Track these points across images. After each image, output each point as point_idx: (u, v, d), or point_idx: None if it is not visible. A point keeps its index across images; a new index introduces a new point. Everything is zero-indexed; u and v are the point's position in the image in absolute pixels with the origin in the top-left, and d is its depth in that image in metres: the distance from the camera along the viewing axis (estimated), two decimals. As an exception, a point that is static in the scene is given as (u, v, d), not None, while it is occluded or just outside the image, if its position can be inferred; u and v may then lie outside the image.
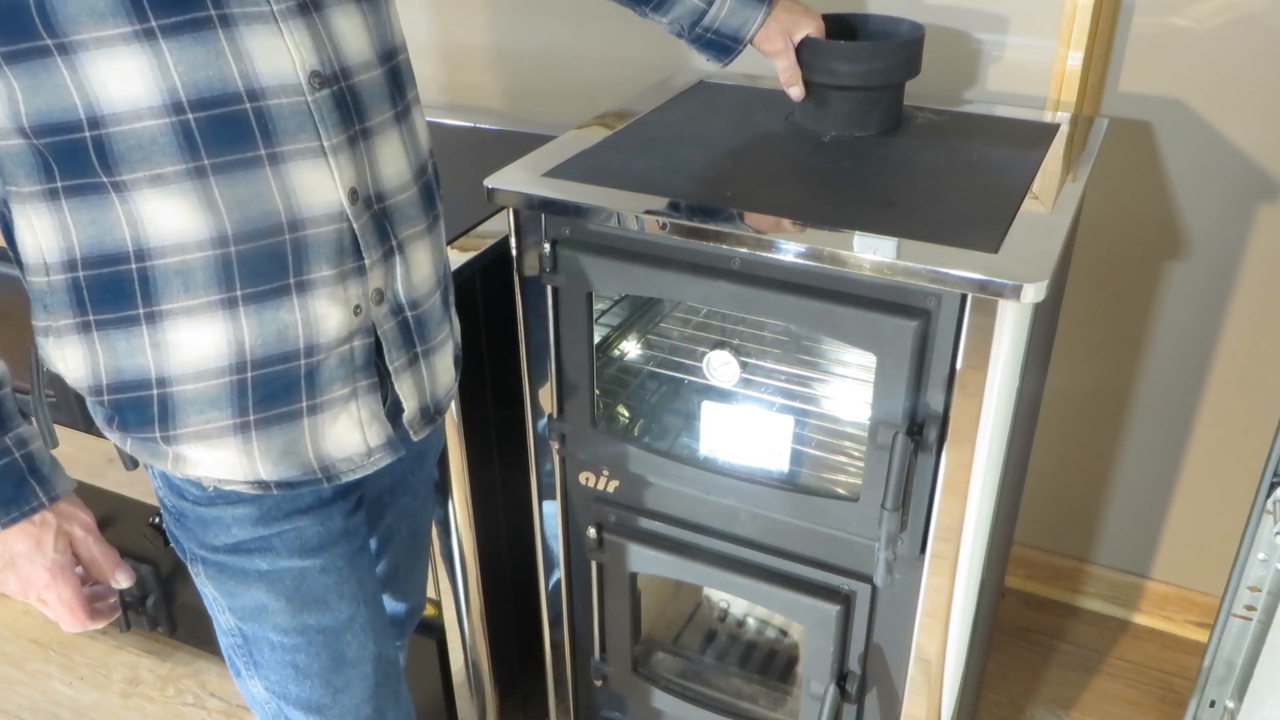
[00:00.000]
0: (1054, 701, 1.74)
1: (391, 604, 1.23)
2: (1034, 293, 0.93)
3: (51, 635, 1.94)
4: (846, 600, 1.20)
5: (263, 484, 0.90)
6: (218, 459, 0.88)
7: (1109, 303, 1.64)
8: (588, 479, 1.30)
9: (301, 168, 0.81)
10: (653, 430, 1.39)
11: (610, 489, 1.29)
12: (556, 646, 1.48)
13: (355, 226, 0.85)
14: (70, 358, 0.85)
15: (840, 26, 1.28)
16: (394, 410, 0.96)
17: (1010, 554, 1.89)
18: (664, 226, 1.07)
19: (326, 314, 0.85)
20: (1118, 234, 1.58)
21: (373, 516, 1.12)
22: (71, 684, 1.84)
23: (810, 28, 1.21)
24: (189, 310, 0.81)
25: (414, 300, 0.93)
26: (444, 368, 1.01)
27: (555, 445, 1.29)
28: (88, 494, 1.72)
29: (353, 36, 0.84)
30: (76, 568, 0.89)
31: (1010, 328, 0.98)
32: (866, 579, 1.18)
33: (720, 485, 1.20)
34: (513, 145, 1.54)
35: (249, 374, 0.84)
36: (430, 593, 1.49)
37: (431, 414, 1.00)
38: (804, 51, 1.22)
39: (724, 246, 1.06)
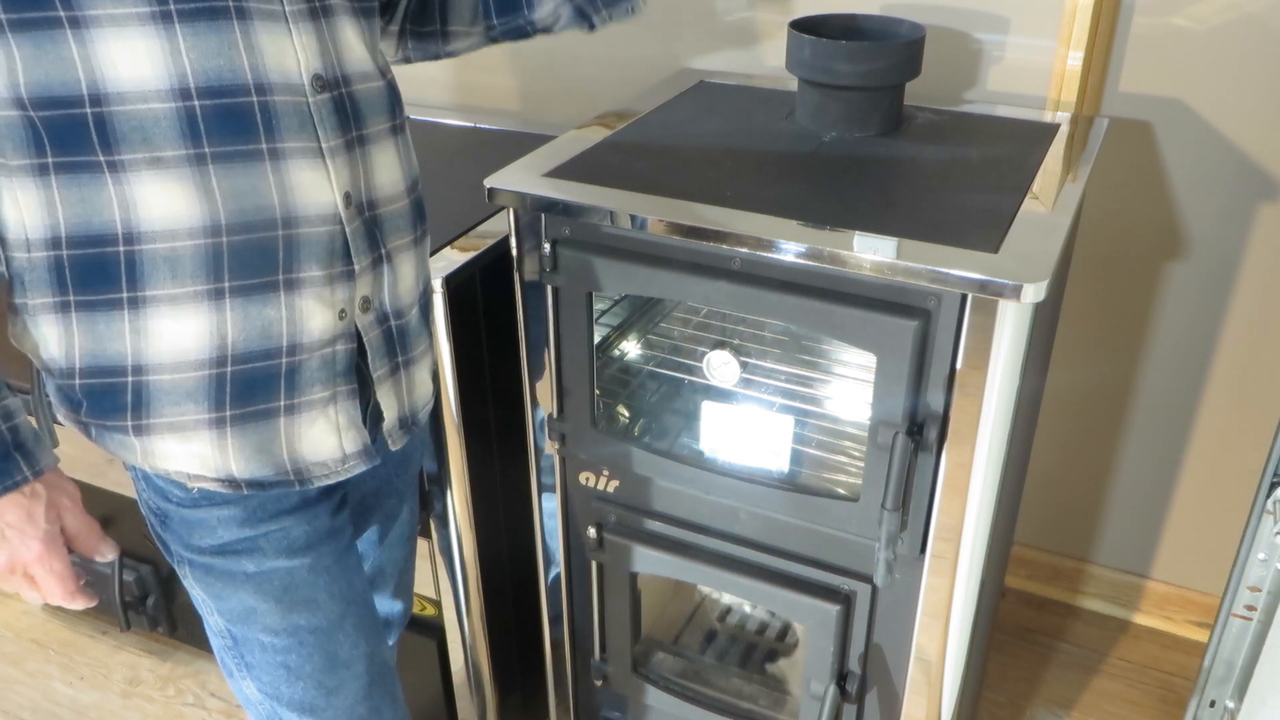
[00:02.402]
0: (1054, 701, 1.74)
1: (381, 604, 1.23)
2: (1034, 293, 0.93)
3: (51, 635, 1.94)
4: (846, 600, 1.20)
5: (233, 481, 0.89)
6: (190, 451, 0.87)
7: (1109, 303, 1.64)
8: (588, 479, 1.30)
9: (300, 166, 0.81)
10: (653, 430, 1.39)
11: (610, 489, 1.29)
12: (556, 646, 1.48)
13: (347, 230, 0.86)
14: (44, 337, 0.84)
15: (841, 26, 1.28)
16: (374, 418, 0.96)
17: (1010, 554, 1.89)
18: (664, 226, 1.07)
19: (312, 314, 0.85)
20: (1118, 234, 1.58)
21: (359, 518, 1.12)
22: (71, 684, 1.84)
23: None
24: (174, 298, 0.80)
25: (398, 310, 0.94)
26: (422, 380, 1.01)
27: (555, 445, 1.29)
28: (88, 494, 1.71)
29: (356, 46, 0.86)
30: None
31: (1010, 328, 0.98)
32: (866, 579, 1.18)
33: (720, 485, 1.20)
34: (513, 145, 1.54)
35: (229, 368, 0.84)
36: (430, 593, 1.49)
37: (409, 424, 1.01)
38: (804, 51, 1.22)
39: (724, 246, 1.06)
